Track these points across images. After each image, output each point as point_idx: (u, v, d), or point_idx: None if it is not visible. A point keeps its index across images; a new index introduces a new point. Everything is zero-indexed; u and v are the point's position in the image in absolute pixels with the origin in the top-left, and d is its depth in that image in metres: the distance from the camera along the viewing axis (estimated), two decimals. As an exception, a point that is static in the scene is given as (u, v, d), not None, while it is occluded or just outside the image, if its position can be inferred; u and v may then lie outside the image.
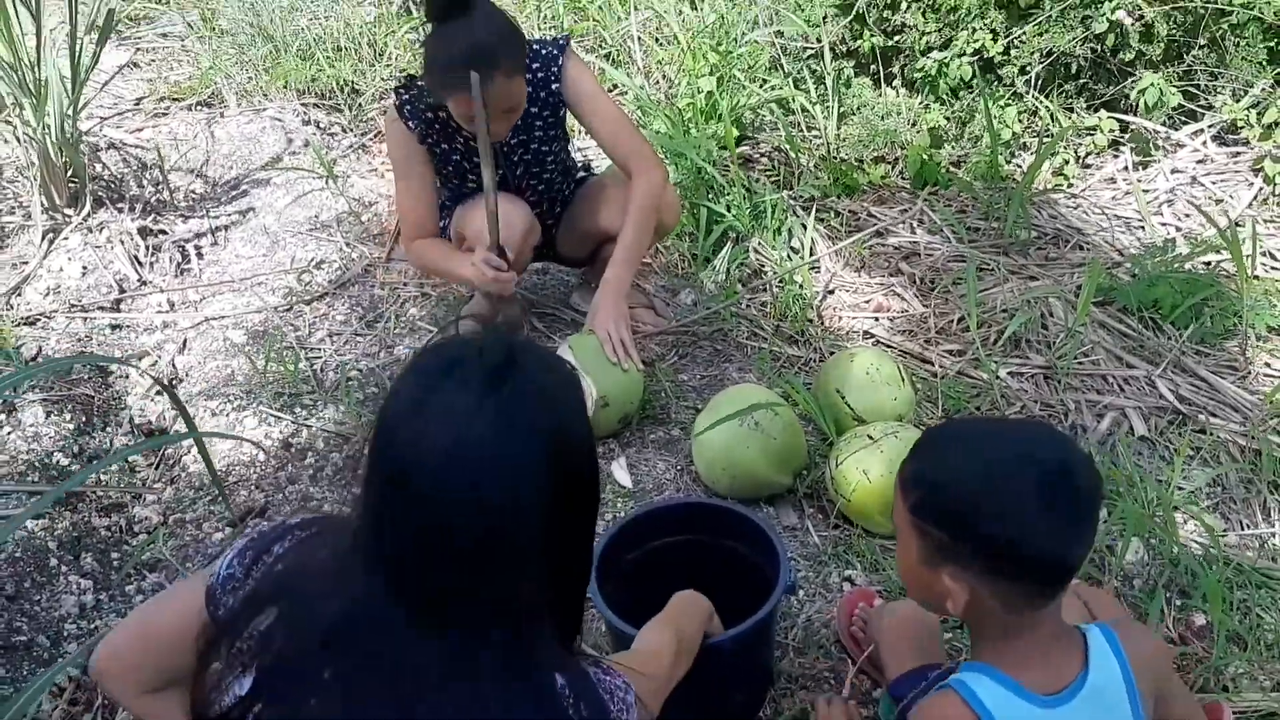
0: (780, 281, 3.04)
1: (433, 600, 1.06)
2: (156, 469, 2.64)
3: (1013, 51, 3.59)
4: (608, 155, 2.70)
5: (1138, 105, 3.49)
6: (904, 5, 3.75)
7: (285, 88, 4.26)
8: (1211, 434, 2.48)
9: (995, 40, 3.58)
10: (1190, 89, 3.54)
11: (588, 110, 2.56)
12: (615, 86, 3.95)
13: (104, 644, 1.29)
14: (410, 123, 2.55)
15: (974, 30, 3.60)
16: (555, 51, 2.53)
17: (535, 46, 2.53)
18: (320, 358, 2.95)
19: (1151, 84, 3.42)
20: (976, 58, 3.62)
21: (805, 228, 3.20)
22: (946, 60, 3.64)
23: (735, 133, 3.63)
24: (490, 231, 2.46)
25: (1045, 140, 3.52)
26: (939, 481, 1.31)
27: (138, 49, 4.78)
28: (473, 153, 2.58)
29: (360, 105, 4.20)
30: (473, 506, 1.04)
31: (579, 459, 1.13)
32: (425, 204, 2.66)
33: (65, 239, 3.33)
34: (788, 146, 3.58)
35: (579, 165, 2.91)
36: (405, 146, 2.59)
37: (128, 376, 2.91)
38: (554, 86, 2.53)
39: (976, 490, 1.27)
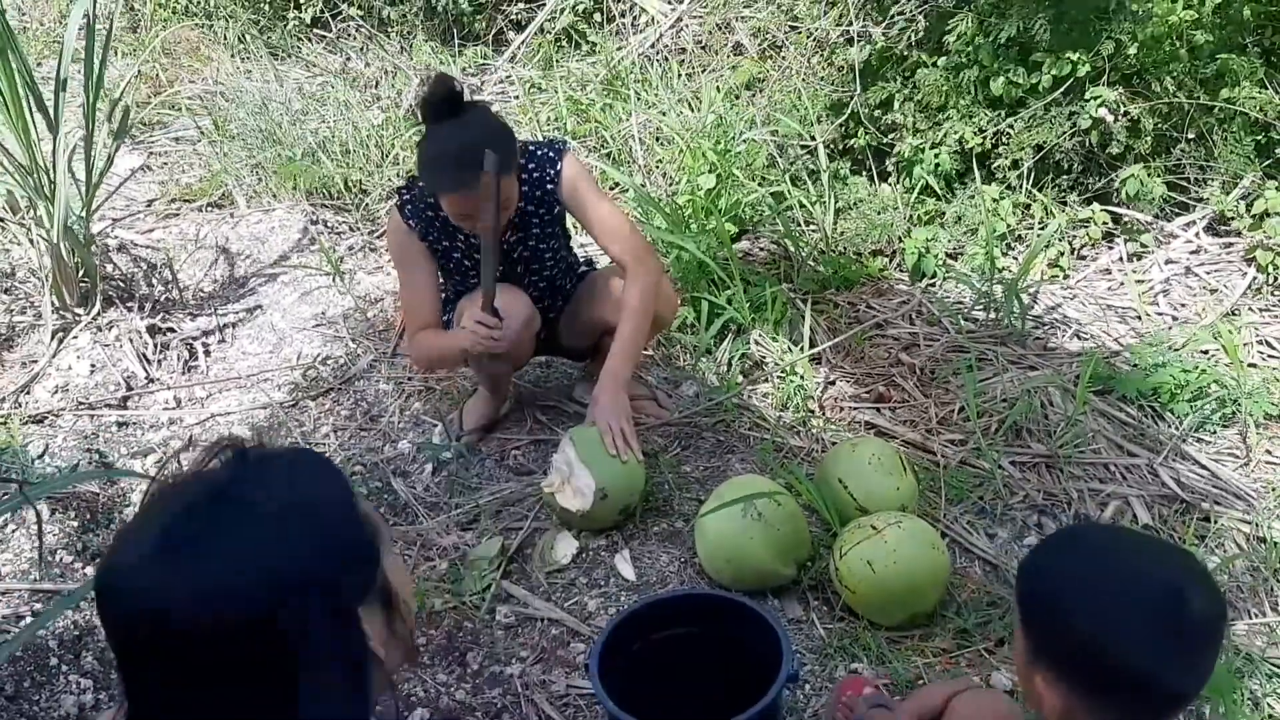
0: (781, 373, 3.07)
1: None
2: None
3: (1001, 147, 3.67)
4: (604, 252, 2.76)
5: (1122, 196, 3.56)
6: (895, 103, 3.85)
7: (294, 189, 4.36)
8: (1215, 521, 2.48)
9: (978, 135, 3.66)
10: (1180, 181, 3.61)
11: (583, 210, 2.64)
12: (616, 185, 4.04)
13: None
14: (411, 221, 2.62)
15: (953, 124, 3.69)
16: (553, 154, 2.61)
17: (532, 148, 2.61)
18: (324, 453, 2.96)
19: (1132, 175, 3.49)
20: (957, 150, 3.70)
21: (805, 319, 3.24)
22: (923, 146, 3.72)
23: (734, 229, 3.70)
24: (485, 292, 2.51)
25: (1039, 233, 3.58)
26: (1039, 567, 1.28)
27: (150, 153, 4.91)
28: (473, 249, 2.64)
29: (367, 205, 4.29)
30: (201, 665, 0.98)
31: (325, 567, 1.04)
32: (428, 299, 2.71)
33: (75, 338, 3.37)
34: (787, 241, 3.64)
35: (581, 261, 2.96)
36: (406, 244, 2.65)
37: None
38: (549, 186, 2.61)
39: (1070, 586, 1.22)
